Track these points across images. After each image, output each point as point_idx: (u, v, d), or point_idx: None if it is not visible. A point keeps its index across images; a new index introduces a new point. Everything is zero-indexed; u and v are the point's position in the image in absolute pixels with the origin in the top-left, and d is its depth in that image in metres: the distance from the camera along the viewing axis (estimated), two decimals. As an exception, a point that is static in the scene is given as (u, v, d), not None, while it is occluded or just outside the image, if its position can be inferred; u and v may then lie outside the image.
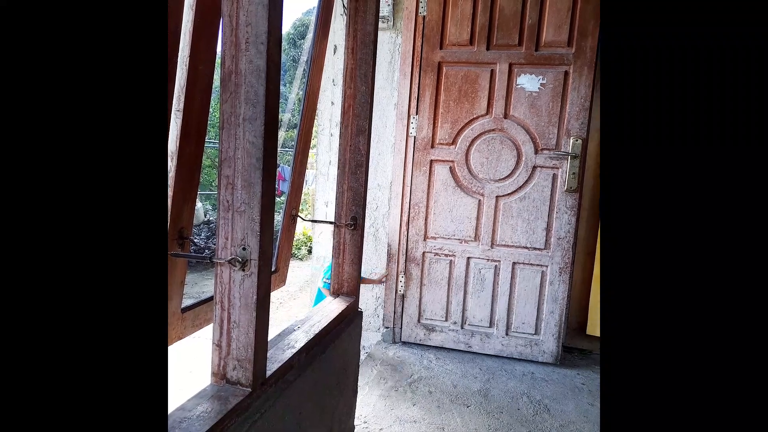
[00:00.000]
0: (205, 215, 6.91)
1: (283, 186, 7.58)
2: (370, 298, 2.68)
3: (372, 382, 2.10)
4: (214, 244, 0.89)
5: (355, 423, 1.70)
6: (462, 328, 2.45)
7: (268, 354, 0.99)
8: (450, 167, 2.39)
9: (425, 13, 2.33)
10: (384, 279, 2.55)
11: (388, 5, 2.45)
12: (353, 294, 1.53)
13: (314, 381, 1.18)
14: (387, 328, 2.54)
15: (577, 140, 2.22)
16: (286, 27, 16.89)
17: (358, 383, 1.65)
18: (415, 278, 2.48)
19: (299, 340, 1.16)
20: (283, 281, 1.97)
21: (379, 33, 2.41)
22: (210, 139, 7.61)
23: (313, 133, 2.05)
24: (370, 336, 2.61)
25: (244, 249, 0.85)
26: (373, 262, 2.66)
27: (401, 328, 2.52)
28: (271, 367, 0.98)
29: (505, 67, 2.27)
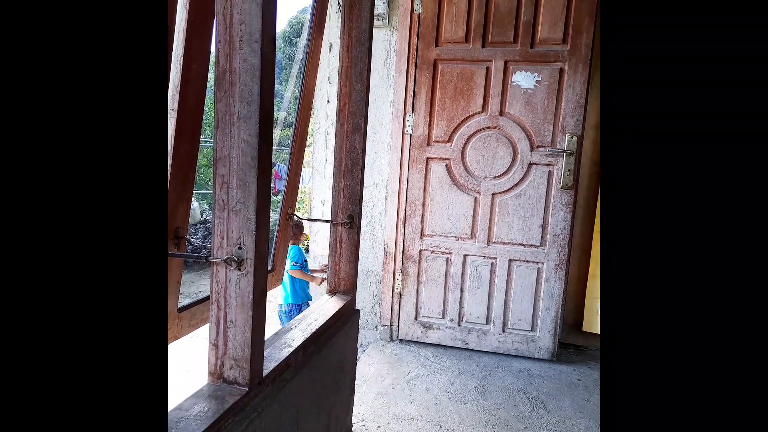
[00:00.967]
0: (202, 215, 6.89)
1: (280, 185, 7.57)
2: (367, 296, 2.68)
3: (369, 380, 2.10)
4: (211, 244, 0.89)
5: (353, 421, 1.71)
6: (459, 325, 2.45)
7: (265, 353, 0.99)
8: (446, 165, 2.40)
9: (420, 11, 2.33)
10: (322, 281, 2.45)
11: (384, 3, 2.44)
12: (350, 292, 1.53)
13: (311, 379, 1.18)
14: (384, 326, 2.54)
15: (572, 137, 2.22)
16: (282, 25, 16.87)
17: (356, 381, 1.65)
18: (411, 276, 2.48)
19: (296, 338, 1.16)
20: (279, 280, 1.97)
21: (375, 30, 2.41)
22: (206, 138, 7.58)
23: (309, 132, 2.05)
24: (368, 334, 2.61)
25: (240, 248, 0.85)
26: (369, 260, 2.66)
27: (398, 325, 2.53)
28: (268, 366, 0.98)
29: (500, 64, 2.27)
